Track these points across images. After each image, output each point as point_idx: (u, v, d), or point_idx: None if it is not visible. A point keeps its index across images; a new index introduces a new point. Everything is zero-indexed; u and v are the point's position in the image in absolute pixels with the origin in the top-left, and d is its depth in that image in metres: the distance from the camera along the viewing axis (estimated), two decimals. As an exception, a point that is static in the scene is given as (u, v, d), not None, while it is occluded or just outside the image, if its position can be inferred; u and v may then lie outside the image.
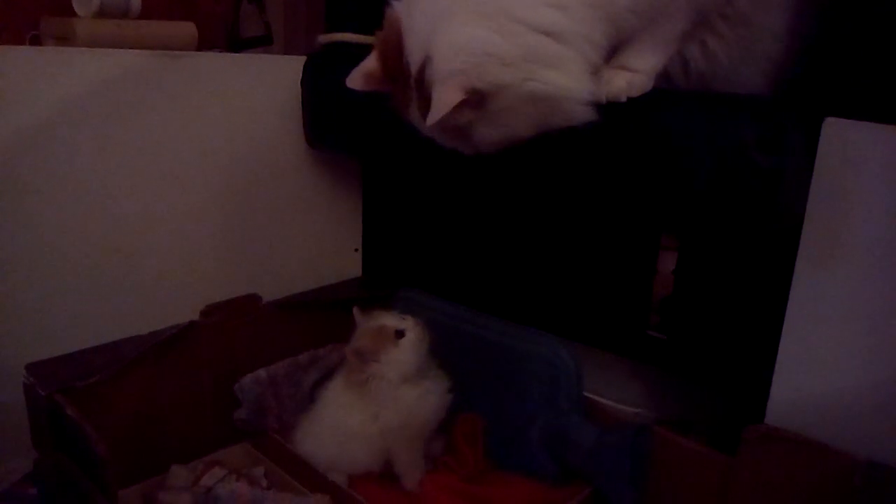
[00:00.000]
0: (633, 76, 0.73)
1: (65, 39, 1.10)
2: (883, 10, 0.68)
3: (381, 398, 0.91)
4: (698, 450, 0.84)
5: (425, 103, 0.70)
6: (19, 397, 0.83)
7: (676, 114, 0.72)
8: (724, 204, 0.70)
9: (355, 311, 0.97)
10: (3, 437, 0.92)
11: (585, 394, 0.96)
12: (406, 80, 0.73)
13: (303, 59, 1.09)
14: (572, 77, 0.68)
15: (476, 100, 0.68)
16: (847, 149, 0.66)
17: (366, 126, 1.00)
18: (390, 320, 0.93)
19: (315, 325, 1.08)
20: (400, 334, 0.91)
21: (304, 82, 1.08)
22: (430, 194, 1.25)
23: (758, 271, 0.93)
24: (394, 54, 0.74)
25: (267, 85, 1.10)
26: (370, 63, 0.78)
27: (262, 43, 1.48)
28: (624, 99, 0.73)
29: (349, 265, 1.27)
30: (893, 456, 0.68)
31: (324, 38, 1.08)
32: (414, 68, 0.71)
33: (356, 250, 1.28)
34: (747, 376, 0.83)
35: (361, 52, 1.02)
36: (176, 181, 1.03)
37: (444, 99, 0.66)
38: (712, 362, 0.98)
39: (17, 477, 0.94)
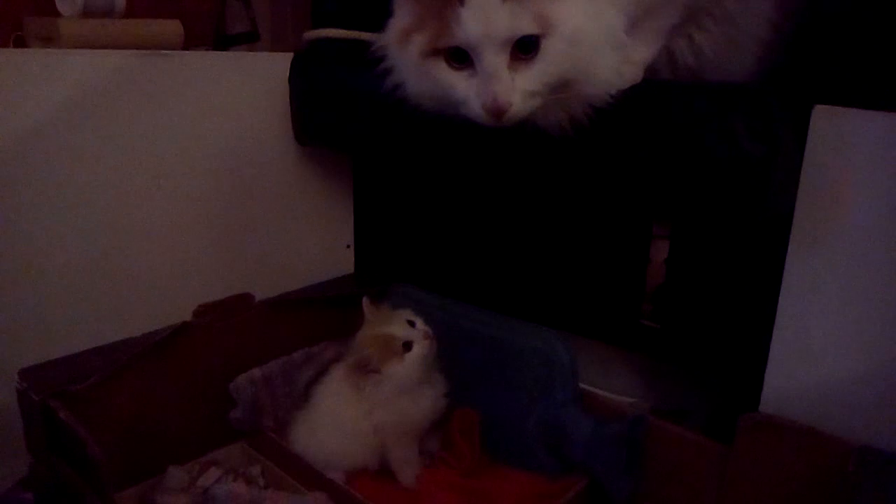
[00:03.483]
0: (624, 67, 0.73)
1: (49, 40, 1.09)
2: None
3: (375, 400, 0.91)
4: (694, 439, 0.84)
5: None
6: (13, 402, 0.83)
7: (666, 103, 0.72)
8: (715, 193, 0.70)
9: (365, 301, 0.96)
10: (-2, 443, 0.91)
11: (580, 385, 0.96)
12: None
13: (290, 55, 1.09)
14: None
15: None
16: (837, 136, 0.67)
17: (355, 122, 1.00)
18: (399, 329, 0.91)
19: (308, 323, 1.08)
20: (407, 347, 0.90)
21: (292, 79, 1.08)
22: (422, 189, 1.25)
23: (750, 259, 0.93)
24: None
25: (255, 82, 1.10)
26: None
27: (248, 39, 1.47)
28: (615, 90, 0.73)
29: (341, 262, 1.27)
30: (886, 441, 0.68)
31: (310, 35, 1.07)
32: None
33: (348, 247, 1.28)
34: (741, 364, 0.84)
35: (348, 47, 1.03)
36: (165, 181, 1.03)
37: None
38: (706, 351, 0.98)
39: (12, 482, 0.94)
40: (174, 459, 0.95)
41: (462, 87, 0.68)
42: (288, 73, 1.08)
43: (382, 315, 0.94)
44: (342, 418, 0.93)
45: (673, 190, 0.73)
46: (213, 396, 0.98)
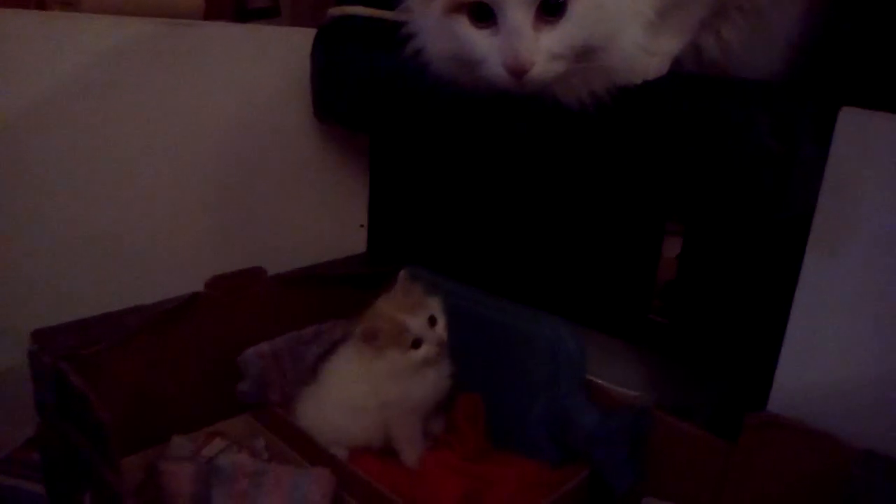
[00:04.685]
0: (649, 59, 0.73)
1: (70, 4, 1.09)
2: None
3: (381, 374, 0.91)
4: (698, 434, 0.84)
5: None
6: (24, 363, 0.83)
7: (690, 98, 0.72)
8: (736, 190, 0.70)
9: (402, 275, 0.94)
10: (8, 403, 0.92)
11: (587, 376, 0.96)
12: None
13: (311, 31, 1.08)
14: None
15: None
16: (862, 139, 0.66)
17: (375, 101, 1.00)
18: (417, 324, 0.89)
19: (318, 300, 1.08)
20: (416, 344, 0.89)
21: (315, 54, 1.07)
22: (438, 172, 1.25)
23: (764, 258, 0.93)
24: None
25: (274, 57, 1.09)
26: None
27: (269, 14, 1.47)
28: (638, 82, 0.73)
29: (354, 241, 1.27)
30: (892, 446, 0.68)
31: (335, 11, 1.07)
32: None
33: (361, 226, 1.27)
34: (750, 363, 0.84)
35: (372, 25, 1.02)
36: (181, 151, 1.03)
37: None
38: (715, 348, 0.98)
39: (21, 442, 0.94)
40: (179, 429, 0.95)
41: (483, 46, 0.67)
42: (308, 49, 1.08)
43: (413, 296, 0.93)
44: (349, 394, 0.93)
45: (690, 184, 0.73)
46: (220, 368, 0.98)
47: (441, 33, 0.70)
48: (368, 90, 0.99)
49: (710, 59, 0.80)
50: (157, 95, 0.99)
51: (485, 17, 0.66)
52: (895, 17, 0.69)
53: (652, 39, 0.71)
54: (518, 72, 0.64)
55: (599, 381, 0.99)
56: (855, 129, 0.66)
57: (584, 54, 0.66)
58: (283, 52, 1.09)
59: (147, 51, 0.97)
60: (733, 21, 0.77)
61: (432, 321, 0.91)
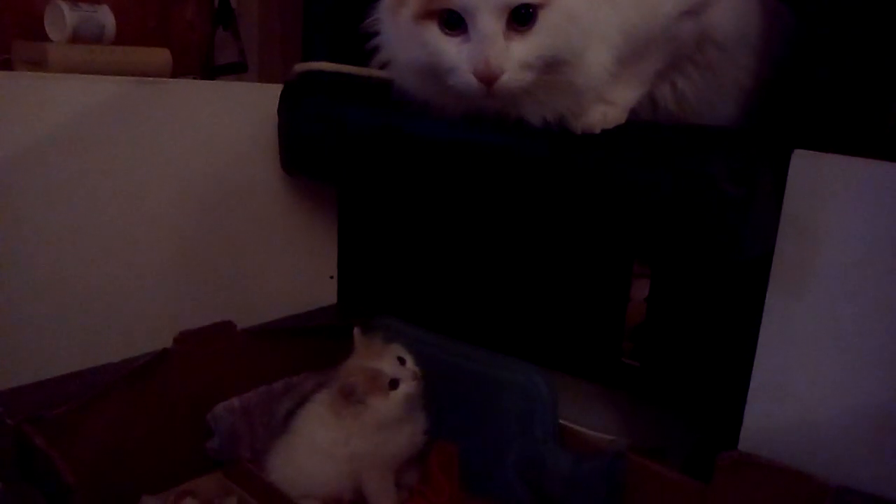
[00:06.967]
0: (608, 108, 0.75)
1: (37, 64, 1.09)
2: (847, 48, 0.70)
3: (354, 429, 0.91)
4: (672, 477, 0.85)
5: None
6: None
7: (648, 145, 0.74)
8: (695, 233, 0.71)
9: (356, 332, 0.95)
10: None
11: (560, 421, 0.96)
12: None
13: (278, 86, 1.10)
14: None
15: None
16: (815, 180, 0.68)
17: (342, 153, 1.01)
18: (388, 365, 0.90)
19: (289, 353, 1.08)
20: (394, 384, 0.89)
21: (281, 109, 1.08)
22: (406, 222, 1.26)
23: (730, 299, 0.94)
24: None
25: (242, 112, 1.10)
26: None
27: (236, 70, 1.48)
28: (598, 130, 0.75)
29: (324, 292, 1.27)
30: (863, 481, 0.69)
31: (300, 67, 1.09)
32: None
33: (331, 277, 1.27)
34: (721, 403, 0.84)
35: (338, 80, 1.04)
36: (150, 208, 1.02)
37: None
38: (686, 389, 0.99)
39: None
40: (149, 488, 0.93)
41: (452, 54, 0.67)
42: (276, 104, 1.09)
43: (373, 347, 0.94)
44: (320, 442, 0.92)
45: (652, 228, 0.74)
46: (190, 425, 0.97)
47: (410, 42, 0.69)
48: (335, 142, 1.01)
49: (666, 110, 0.83)
50: (125, 153, 0.99)
51: (455, 24, 0.66)
52: (844, 61, 0.71)
53: (611, 90, 0.73)
54: (488, 79, 0.65)
55: (573, 426, 0.99)
56: (808, 171, 0.69)
57: (552, 66, 0.67)
58: (251, 107, 1.10)
59: (115, 109, 0.97)
60: (688, 73, 0.80)
61: (401, 361, 0.92)
